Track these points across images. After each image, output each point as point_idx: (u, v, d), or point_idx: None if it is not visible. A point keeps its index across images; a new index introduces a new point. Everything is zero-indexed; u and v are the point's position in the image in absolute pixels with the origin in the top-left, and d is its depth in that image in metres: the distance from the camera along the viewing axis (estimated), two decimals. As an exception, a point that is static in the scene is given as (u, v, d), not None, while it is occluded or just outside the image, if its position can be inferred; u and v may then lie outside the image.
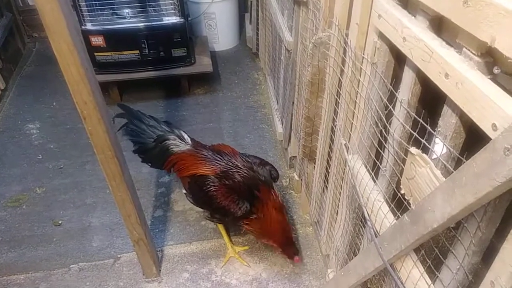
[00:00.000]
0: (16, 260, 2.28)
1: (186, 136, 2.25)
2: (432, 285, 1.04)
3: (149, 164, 2.33)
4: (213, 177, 2.02)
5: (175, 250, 2.30)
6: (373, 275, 1.57)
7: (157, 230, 2.40)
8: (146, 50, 3.23)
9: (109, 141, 1.58)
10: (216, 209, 2.06)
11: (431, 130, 0.95)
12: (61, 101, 3.46)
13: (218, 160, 2.08)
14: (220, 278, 2.16)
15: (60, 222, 2.48)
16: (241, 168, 2.04)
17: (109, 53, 3.19)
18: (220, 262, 2.23)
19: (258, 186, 2.00)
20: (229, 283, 2.13)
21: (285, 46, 2.38)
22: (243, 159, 2.10)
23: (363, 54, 1.29)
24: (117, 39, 3.16)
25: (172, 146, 2.20)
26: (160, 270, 2.18)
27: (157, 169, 2.53)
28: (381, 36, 1.15)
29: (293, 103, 2.36)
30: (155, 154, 2.23)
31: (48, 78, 3.73)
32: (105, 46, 3.13)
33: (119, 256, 2.27)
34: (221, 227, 2.27)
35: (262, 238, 2.11)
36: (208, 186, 2.01)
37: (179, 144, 2.20)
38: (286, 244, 2.05)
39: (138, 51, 3.22)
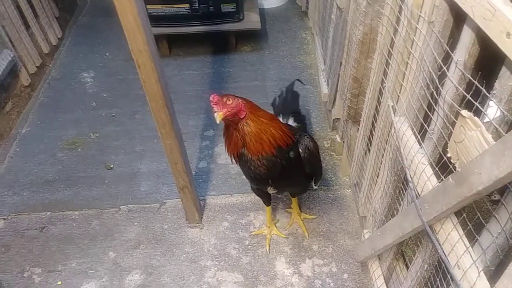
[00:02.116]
0: (72, 197, 2.47)
1: (291, 121, 2.09)
2: (470, 248, 1.05)
3: None
4: None
5: (217, 200, 2.40)
6: (409, 239, 1.59)
7: (200, 181, 2.51)
8: (196, 4, 3.25)
9: (161, 90, 1.65)
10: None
11: (486, 92, 0.93)
12: (114, 52, 3.59)
13: None
14: (258, 230, 2.25)
15: (111, 166, 2.65)
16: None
17: (160, 6, 3.24)
18: (258, 215, 2.32)
19: None
20: (266, 236, 2.21)
21: (336, 4, 2.32)
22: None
23: (420, 12, 1.25)
24: (169, -8, 3.19)
25: None
26: (202, 218, 2.30)
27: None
28: (441, -7, 1.11)
29: (340, 63, 2.32)
30: None
31: (101, 29, 3.86)
32: (157, -2, 3.18)
33: (164, 201, 2.41)
34: (268, 210, 2.20)
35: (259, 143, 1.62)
36: None
37: None
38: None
39: (188, 5, 3.25)
